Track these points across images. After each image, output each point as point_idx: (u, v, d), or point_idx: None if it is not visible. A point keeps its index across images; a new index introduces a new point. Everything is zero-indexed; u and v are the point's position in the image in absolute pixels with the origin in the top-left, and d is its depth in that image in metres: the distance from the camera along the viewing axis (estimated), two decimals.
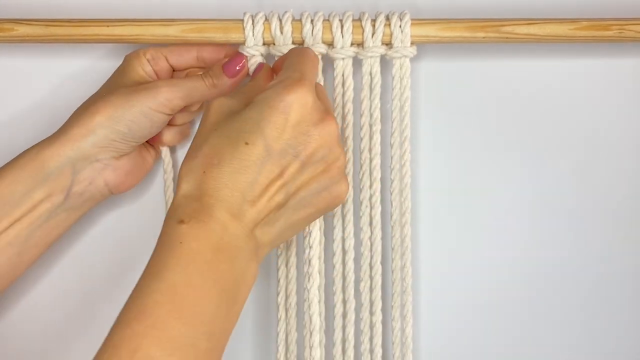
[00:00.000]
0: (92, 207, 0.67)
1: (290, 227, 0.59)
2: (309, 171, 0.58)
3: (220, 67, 0.65)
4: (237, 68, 0.65)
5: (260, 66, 0.65)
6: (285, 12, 0.65)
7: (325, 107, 0.59)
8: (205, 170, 0.56)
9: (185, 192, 0.56)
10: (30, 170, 0.63)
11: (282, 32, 0.65)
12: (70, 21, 0.65)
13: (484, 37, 0.65)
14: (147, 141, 0.67)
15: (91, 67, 0.70)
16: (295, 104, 0.57)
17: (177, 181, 0.57)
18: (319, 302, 0.67)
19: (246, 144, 0.56)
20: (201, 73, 0.65)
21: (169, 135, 0.69)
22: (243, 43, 0.65)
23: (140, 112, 0.63)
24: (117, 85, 0.65)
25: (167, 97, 0.64)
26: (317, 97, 0.58)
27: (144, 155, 0.69)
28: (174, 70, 0.68)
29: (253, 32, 0.64)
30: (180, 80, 0.65)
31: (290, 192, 0.57)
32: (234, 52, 0.66)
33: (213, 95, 0.65)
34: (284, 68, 0.60)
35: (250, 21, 0.64)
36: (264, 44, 0.65)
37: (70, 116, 0.65)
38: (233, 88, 0.65)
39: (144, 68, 0.66)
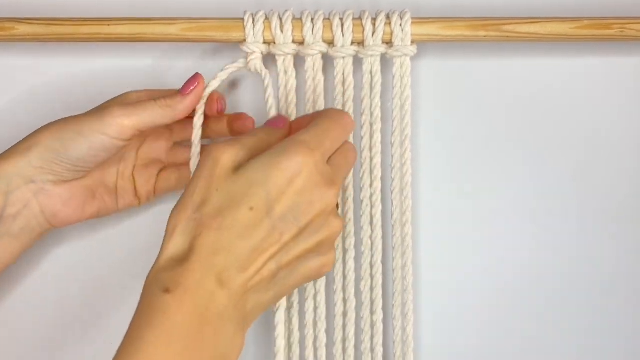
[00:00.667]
0: (32, 239, 0.63)
1: (277, 295, 0.56)
2: (305, 242, 0.56)
3: (175, 90, 0.63)
4: (192, 87, 0.62)
5: (278, 119, 0.62)
6: (286, 11, 0.65)
7: (331, 177, 0.56)
8: (202, 233, 0.53)
9: (173, 253, 0.53)
10: None
11: (282, 31, 0.65)
12: (70, 20, 0.65)
13: (485, 36, 0.65)
14: (133, 187, 0.66)
15: (92, 67, 0.70)
16: (304, 169, 0.54)
17: (166, 234, 0.53)
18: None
19: (250, 209, 0.53)
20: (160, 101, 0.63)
21: (163, 182, 0.67)
22: (243, 42, 0.65)
23: (77, 132, 0.60)
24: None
25: (114, 115, 0.60)
26: (326, 164, 0.56)
27: (100, 193, 0.65)
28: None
29: (253, 31, 0.64)
30: (133, 104, 0.62)
31: (283, 262, 0.55)
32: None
33: (167, 118, 0.62)
34: (310, 125, 0.57)
35: (251, 20, 0.64)
36: (264, 42, 0.65)
37: None
38: (190, 109, 0.63)
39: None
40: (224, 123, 0.67)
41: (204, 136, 0.65)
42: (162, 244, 0.53)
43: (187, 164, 0.67)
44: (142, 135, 0.66)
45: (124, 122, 0.61)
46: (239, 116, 0.67)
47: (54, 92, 0.71)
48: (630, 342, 0.73)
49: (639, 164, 0.72)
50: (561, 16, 0.66)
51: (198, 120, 0.64)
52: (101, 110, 0.62)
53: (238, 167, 0.55)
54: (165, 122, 0.62)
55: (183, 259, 0.52)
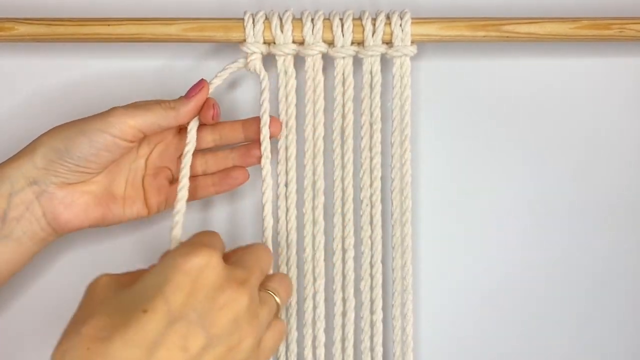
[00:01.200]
0: (36, 245, 0.62)
1: None
2: (218, 349, 0.51)
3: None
4: (196, 92, 0.63)
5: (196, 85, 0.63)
6: (286, 11, 0.65)
7: (241, 277, 0.54)
8: (90, 347, 0.48)
9: None
10: None
11: (282, 31, 0.65)
12: (70, 20, 0.65)
13: (484, 36, 0.65)
14: (143, 195, 0.65)
15: (92, 67, 0.70)
16: (205, 266, 0.52)
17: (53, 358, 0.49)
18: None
19: (144, 311, 0.49)
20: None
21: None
22: (243, 42, 0.65)
23: (79, 131, 0.60)
24: None
25: (117, 114, 0.61)
26: (233, 265, 0.55)
27: (105, 201, 0.64)
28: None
29: (253, 31, 0.64)
30: (137, 104, 0.62)
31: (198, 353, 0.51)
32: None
33: (171, 120, 0.62)
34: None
35: (251, 20, 0.65)
36: (264, 42, 0.65)
37: None
38: (193, 113, 0.63)
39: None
40: (239, 129, 0.67)
41: (222, 142, 0.66)
42: None
43: (197, 175, 0.67)
44: (150, 141, 0.66)
45: (127, 121, 0.61)
46: (255, 121, 0.66)
47: (54, 92, 0.71)
48: (630, 342, 0.73)
49: (639, 164, 0.72)
50: (560, 16, 0.66)
51: (194, 123, 0.64)
52: (105, 112, 0.62)
53: (126, 281, 0.53)
54: (168, 125, 0.62)
55: None
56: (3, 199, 0.61)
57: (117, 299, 0.51)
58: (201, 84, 0.63)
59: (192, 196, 0.66)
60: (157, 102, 0.62)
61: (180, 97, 0.63)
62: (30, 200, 0.61)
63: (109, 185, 0.65)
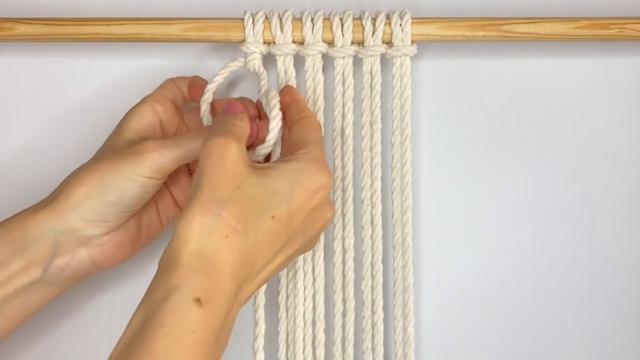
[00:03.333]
0: (75, 284, 0.61)
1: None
2: (302, 249, 0.58)
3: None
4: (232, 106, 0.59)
5: (234, 105, 0.59)
6: (286, 10, 0.65)
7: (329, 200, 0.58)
8: (228, 235, 0.51)
9: (199, 249, 0.50)
10: (11, 239, 0.57)
11: (282, 31, 0.65)
12: (70, 20, 0.65)
13: (484, 36, 0.65)
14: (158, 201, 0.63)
15: (92, 67, 0.70)
16: (323, 188, 0.56)
17: (182, 221, 0.50)
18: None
19: (273, 217, 0.53)
20: (195, 128, 0.61)
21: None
22: (243, 42, 0.65)
23: (129, 180, 0.58)
24: (109, 148, 0.60)
25: (156, 161, 0.58)
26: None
27: (145, 225, 0.62)
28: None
29: (253, 31, 0.64)
30: (171, 140, 0.59)
31: (282, 268, 0.57)
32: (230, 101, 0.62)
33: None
34: (313, 140, 0.58)
35: (251, 20, 0.64)
36: (264, 42, 0.65)
37: (61, 183, 0.60)
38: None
39: (143, 120, 0.62)
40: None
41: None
42: (177, 228, 0.50)
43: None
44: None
45: (170, 167, 0.59)
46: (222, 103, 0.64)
47: (54, 92, 0.71)
48: (631, 342, 0.73)
49: (638, 164, 0.72)
50: (561, 16, 0.66)
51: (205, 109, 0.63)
52: (135, 152, 0.59)
53: (247, 164, 0.54)
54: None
55: (212, 263, 0.50)
56: (47, 250, 0.58)
57: (252, 189, 0.53)
58: (239, 107, 0.59)
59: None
60: (197, 133, 0.59)
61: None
62: (77, 249, 0.59)
63: (143, 212, 0.63)
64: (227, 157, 0.53)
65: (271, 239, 0.53)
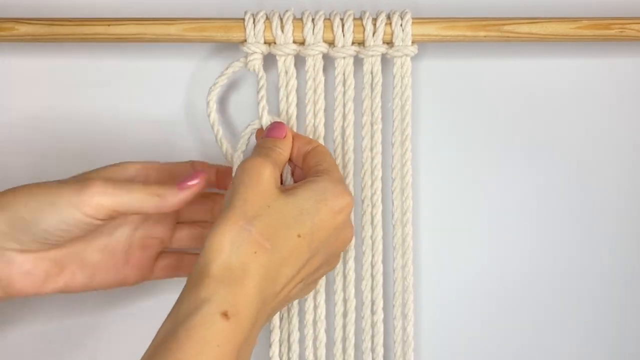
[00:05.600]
0: None
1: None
2: (324, 268, 0.59)
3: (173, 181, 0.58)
4: (191, 183, 0.57)
5: (278, 129, 0.61)
6: (286, 11, 0.65)
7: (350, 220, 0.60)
8: (257, 251, 0.52)
9: (227, 263, 0.51)
10: None
11: (283, 31, 0.65)
12: (71, 20, 0.65)
13: (485, 36, 0.65)
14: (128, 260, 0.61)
15: (92, 67, 0.70)
16: (346, 208, 0.57)
17: (212, 236, 0.51)
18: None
19: (298, 236, 0.54)
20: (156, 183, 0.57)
21: (162, 270, 0.63)
22: (244, 42, 0.65)
23: (49, 203, 0.54)
24: (79, 175, 0.59)
25: (93, 192, 0.55)
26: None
27: (72, 269, 0.59)
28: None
29: (254, 31, 0.64)
30: (119, 182, 0.56)
31: (304, 284, 0.58)
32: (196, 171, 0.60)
33: (153, 208, 0.56)
34: (320, 161, 0.59)
35: (251, 20, 0.64)
36: (264, 42, 0.65)
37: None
38: (180, 205, 0.57)
39: (127, 171, 0.60)
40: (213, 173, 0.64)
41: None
42: (208, 241, 0.51)
43: (191, 245, 0.65)
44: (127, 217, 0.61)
45: (102, 202, 0.55)
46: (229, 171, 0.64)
47: (54, 92, 0.70)
48: (631, 342, 0.73)
49: (639, 164, 0.72)
50: (561, 16, 0.66)
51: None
52: (82, 181, 0.56)
53: (278, 187, 0.56)
54: (150, 212, 0.56)
55: (239, 277, 0.51)
56: None
57: (280, 208, 0.54)
58: (198, 176, 0.57)
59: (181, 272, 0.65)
60: (142, 186, 0.56)
61: (171, 185, 0.57)
62: None
63: (81, 252, 0.60)
64: (262, 177, 0.55)
65: (295, 256, 0.54)
